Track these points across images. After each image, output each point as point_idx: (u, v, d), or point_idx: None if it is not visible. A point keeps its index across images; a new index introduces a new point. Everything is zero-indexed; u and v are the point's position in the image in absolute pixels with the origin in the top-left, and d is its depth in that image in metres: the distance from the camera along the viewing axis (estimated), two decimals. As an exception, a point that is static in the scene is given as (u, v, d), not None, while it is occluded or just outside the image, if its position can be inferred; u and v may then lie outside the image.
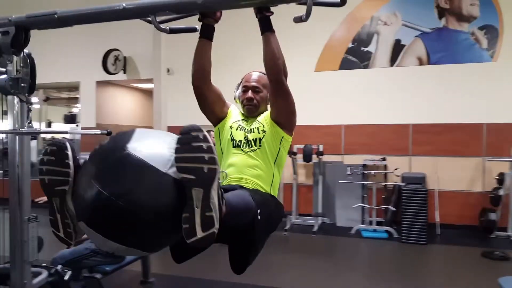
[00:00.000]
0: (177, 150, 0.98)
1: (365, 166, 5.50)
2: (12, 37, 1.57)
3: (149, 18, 1.48)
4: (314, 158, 5.56)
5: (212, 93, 1.67)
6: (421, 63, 5.56)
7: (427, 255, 4.46)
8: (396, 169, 5.31)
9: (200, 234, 0.94)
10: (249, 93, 1.71)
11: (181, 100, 6.33)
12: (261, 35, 1.50)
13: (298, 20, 1.37)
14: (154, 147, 1.02)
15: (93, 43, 6.79)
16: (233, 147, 1.65)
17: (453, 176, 5.33)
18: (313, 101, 5.65)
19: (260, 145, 1.62)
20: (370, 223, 5.33)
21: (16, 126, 1.68)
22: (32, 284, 1.71)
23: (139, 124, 8.41)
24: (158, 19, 1.47)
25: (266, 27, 1.48)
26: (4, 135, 2.03)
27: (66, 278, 2.10)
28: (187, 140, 0.98)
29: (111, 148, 1.04)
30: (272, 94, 1.61)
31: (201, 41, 1.57)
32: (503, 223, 4.85)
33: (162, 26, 1.49)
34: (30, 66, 1.65)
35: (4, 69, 1.67)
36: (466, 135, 5.32)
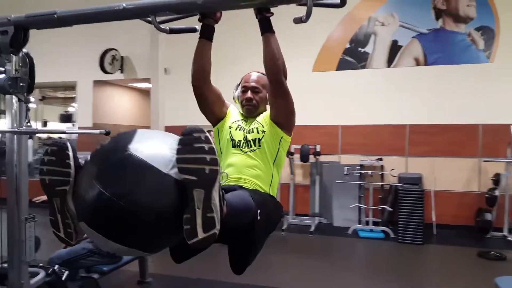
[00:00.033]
0: (178, 151, 0.99)
1: (362, 167, 5.52)
2: (11, 36, 1.57)
3: (149, 19, 1.48)
4: (311, 158, 5.57)
5: (212, 93, 1.67)
6: (418, 64, 5.58)
7: (423, 255, 4.49)
8: (392, 169, 5.33)
9: (201, 235, 0.95)
10: (249, 94, 1.71)
11: (179, 100, 6.33)
12: (261, 35, 1.51)
13: (298, 21, 1.38)
14: (155, 148, 1.02)
15: (90, 42, 6.77)
16: (233, 147, 1.65)
17: (449, 176, 5.36)
18: (310, 101, 5.66)
19: (259, 145, 1.62)
20: (367, 223, 5.35)
21: (15, 125, 1.67)
22: (30, 284, 1.70)
23: (136, 124, 8.40)
24: (158, 19, 1.47)
25: (266, 28, 1.48)
26: (0, 134, 2.02)
27: (63, 278, 2.09)
28: (189, 141, 0.98)
29: (113, 149, 1.03)
30: (271, 95, 1.61)
31: (201, 42, 1.57)
32: (499, 224, 4.88)
33: (162, 26, 1.50)
34: (29, 65, 1.64)
35: (2, 69, 1.66)
36: (462, 135, 5.35)
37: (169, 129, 6.35)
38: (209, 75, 1.63)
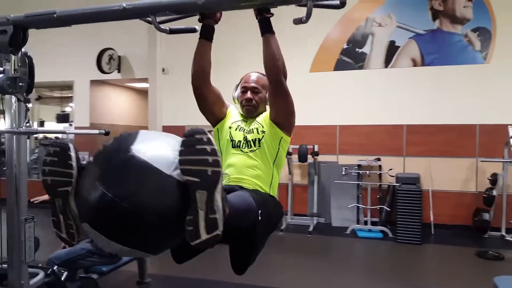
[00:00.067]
0: (181, 153, 0.99)
1: (359, 166, 5.53)
2: (10, 36, 1.56)
3: (149, 19, 1.48)
4: (309, 158, 5.58)
5: (212, 94, 1.68)
6: (415, 64, 5.60)
7: (421, 254, 4.50)
8: (390, 169, 5.35)
9: (204, 236, 0.95)
10: (248, 94, 1.72)
11: (177, 100, 6.33)
12: (261, 36, 1.51)
13: (298, 21, 1.38)
14: (158, 149, 1.02)
15: (88, 42, 6.75)
16: (233, 147, 1.65)
17: (446, 176, 5.38)
18: (308, 101, 5.67)
19: (259, 146, 1.62)
20: (365, 223, 5.36)
21: (14, 125, 1.67)
22: (30, 284, 1.70)
23: (134, 124, 8.38)
24: (158, 19, 1.47)
25: (266, 29, 1.49)
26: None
27: (62, 278, 2.08)
28: (191, 142, 0.99)
29: (115, 150, 1.03)
30: (271, 95, 1.62)
31: (201, 42, 1.57)
32: (497, 223, 4.90)
33: (161, 27, 1.50)
34: (28, 65, 1.64)
35: (1, 68, 1.66)
36: (459, 135, 5.38)
37: (167, 129, 6.34)
38: (209, 75, 1.64)
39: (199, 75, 1.61)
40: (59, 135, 7.38)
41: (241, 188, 1.48)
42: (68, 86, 7.46)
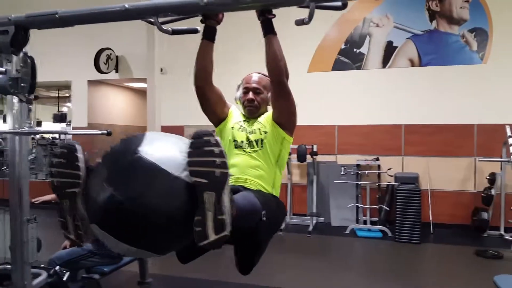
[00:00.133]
0: (189, 154, 0.99)
1: (358, 166, 5.55)
2: (12, 36, 1.56)
3: (151, 19, 1.48)
4: (308, 158, 5.59)
5: (214, 94, 1.69)
6: (412, 64, 5.63)
7: (421, 254, 4.52)
8: (389, 169, 5.36)
9: (212, 237, 0.96)
10: (250, 95, 1.73)
11: (175, 100, 6.33)
12: (263, 37, 1.52)
13: (300, 23, 1.39)
14: (166, 151, 1.03)
15: (85, 42, 6.74)
16: (235, 148, 1.66)
17: (445, 176, 5.40)
18: (306, 101, 5.66)
19: (261, 146, 1.63)
20: (365, 222, 5.38)
21: (16, 126, 1.67)
22: (32, 285, 1.70)
23: (132, 124, 8.37)
24: (160, 19, 1.47)
25: (269, 30, 1.50)
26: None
27: (64, 279, 2.09)
28: (199, 144, 0.99)
29: (123, 151, 1.04)
30: (273, 95, 1.63)
31: (203, 43, 1.58)
32: (495, 222, 4.92)
33: (163, 27, 1.50)
34: (30, 65, 1.64)
35: (3, 69, 1.65)
36: (457, 135, 5.40)
37: (165, 129, 6.34)
38: (211, 75, 1.64)
39: (202, 76, 1.62)
40: (56, 135, 7.38)
41: (244, 188, 1.49)
42: (65, 86, 7.45)
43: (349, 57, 5.86)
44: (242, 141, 1.66)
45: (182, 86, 5.96)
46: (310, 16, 1.31)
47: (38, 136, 7.78)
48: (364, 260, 4.48)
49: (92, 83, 7.19)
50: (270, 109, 1.74)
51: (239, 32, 5.26)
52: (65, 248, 2.65)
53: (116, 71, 6.90)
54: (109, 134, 1.88)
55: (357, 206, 5.49)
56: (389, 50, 5.70)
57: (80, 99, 7.16)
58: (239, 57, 5.75)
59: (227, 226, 0.97)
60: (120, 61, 6.90)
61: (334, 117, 5.88)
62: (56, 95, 8.61)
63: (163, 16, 1.48)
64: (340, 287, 3.51)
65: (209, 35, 1.57)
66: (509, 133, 4.62)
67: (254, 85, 1.73)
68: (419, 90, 5.57)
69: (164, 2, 1.40)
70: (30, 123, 1.71)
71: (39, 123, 8.16)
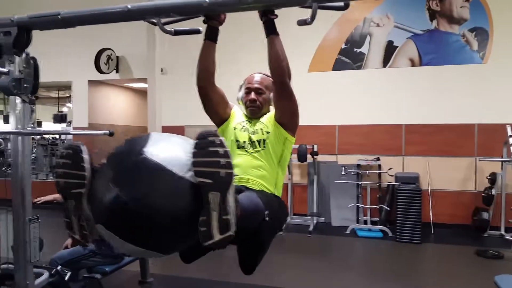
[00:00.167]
0: (194, 155, 1.00)
1: (359, 166, 5.55)
2: (14, 37, 1.57)
3: (154, 20, 1.49)
4: (309, 158, 5.60)
5: (216, 94, 1.69)
6: (413, 64, 5.63)
7: (421, 254, 4.52)
8: (390, 169, 5.37)
9: (217, 237, 0.96)
10: (252, 95, 1.73)
11: (176, 100, 6.33)
12: (266, 37, 1.52)
13: (302, 23, 1.40)
14: (170, 151, 1.04)
15: (85, 42, 6.73)
16: (238, 148, 1.66)
17: (445, 176, 5.41)
18: (307, 101, 5.64)
19: (264, 146, 1.64)
20: (365, 222, 5.39)
21: (19, 126, 1.67)
22: (35, 285, 1.71)
23: (133, 124, 8.37)
24: (162, 20, 1.48)
25: (271, 30, 1.50)
26: None
27: (66, 278, 2.09)
28: (204, 144, 1.00)
29: (128, 152, 1.05)
30: (276, 96, 1.63)
31: (206, 43, 1.58)
32: (496, 222, 4.93)
33: (166, 28, 1.51)
34: (33, 66, 1.64)
35: (6, 70, 1.66)
36: (458, 135, 5.41)
37: (166, 129, 6.34)
38: (213, 76, 1.65)
39: (204, 76, 1.62)
40: (57, 136, 7.39)
41: (247, 188, 1.49)
42: (65, 86, 7.45)
43: (350, 57, 5.87)
44: (244, 142, 1.66)
45: (183, 86, 5.97)
46: (313, 17, 1.31)
47: (38, 136, 7.79)
48: (365, 260, 4.49)
49: (92, 83, 7.20)
50: (272, 109, 1.75)
51: (239, 32, 5.25)
52: (66, 247, 2.66)
53: (117, 72, 6.91)
54: (111, 134, 1.89)
55: (358, 206, 5.50)
56: (390, 49, 5.71)
57: (81, 100, 7.17)
58: (240, 57, 5.75)
59: (232, 226, 0.98)
60: (120, 61, 6.91)
61: (335, 117, 5.88)
62: (56, 95, 8.61)
63: (165, 17, 1.48)
64: (341, 287, 3.51)
65: (211, 36, 1.57)
66: (509, 133, 4.62)
67: (256, 85, 1.74)
68: (420, 90, 5.58)
69: (167, 3, 1.40)
70: (33, 124, 1.72)
71: (39, 123, 8.13)
